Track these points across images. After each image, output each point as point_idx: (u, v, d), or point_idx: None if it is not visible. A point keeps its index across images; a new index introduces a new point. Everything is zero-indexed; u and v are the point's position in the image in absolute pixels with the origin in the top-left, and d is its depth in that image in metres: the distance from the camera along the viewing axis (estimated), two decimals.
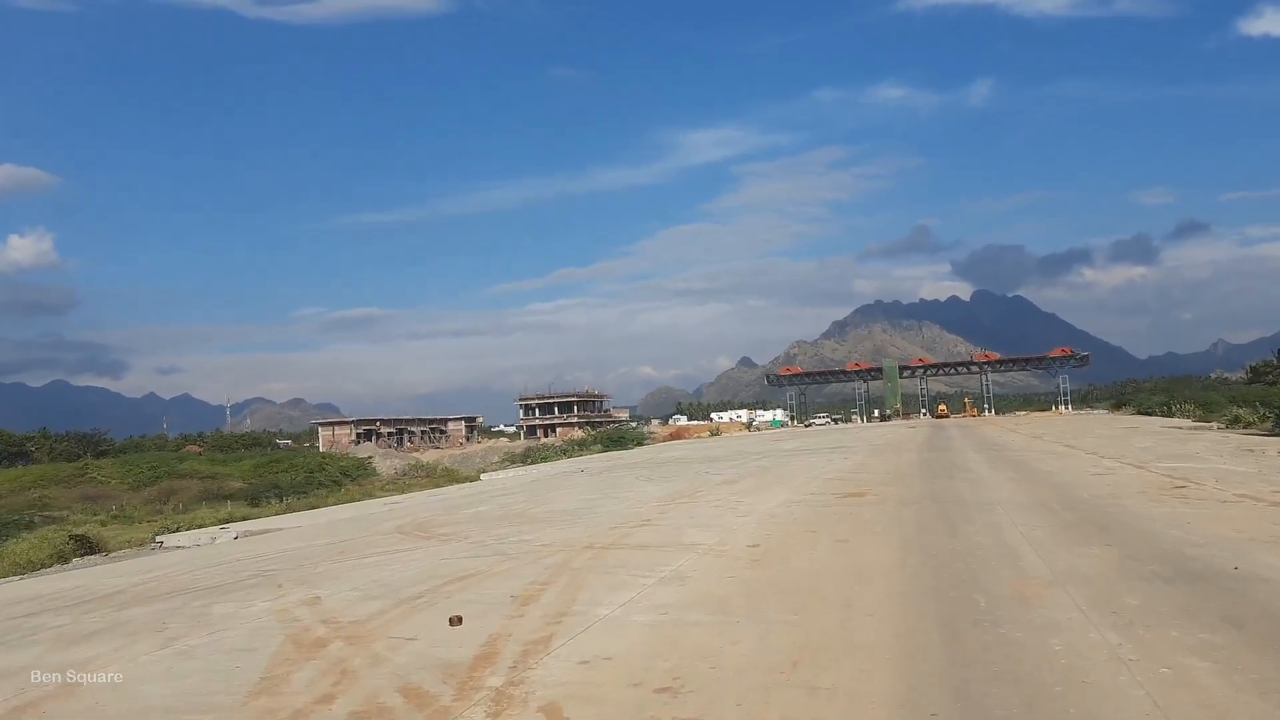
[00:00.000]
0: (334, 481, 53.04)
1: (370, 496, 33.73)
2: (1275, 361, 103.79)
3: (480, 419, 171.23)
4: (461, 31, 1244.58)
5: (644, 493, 20.15)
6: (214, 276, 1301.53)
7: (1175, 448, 26.08)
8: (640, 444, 73.83)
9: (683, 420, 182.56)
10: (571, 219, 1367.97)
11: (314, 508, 30.42)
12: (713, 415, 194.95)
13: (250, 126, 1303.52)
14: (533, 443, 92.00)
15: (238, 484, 52.65)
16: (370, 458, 75.19)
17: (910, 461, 25.31)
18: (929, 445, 34.97)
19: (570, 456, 56.47)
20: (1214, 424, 43.37)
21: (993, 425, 63.87)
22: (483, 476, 39.09)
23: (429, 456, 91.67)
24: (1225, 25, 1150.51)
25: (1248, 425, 39.46)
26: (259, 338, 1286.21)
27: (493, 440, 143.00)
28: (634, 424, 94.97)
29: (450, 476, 41.35)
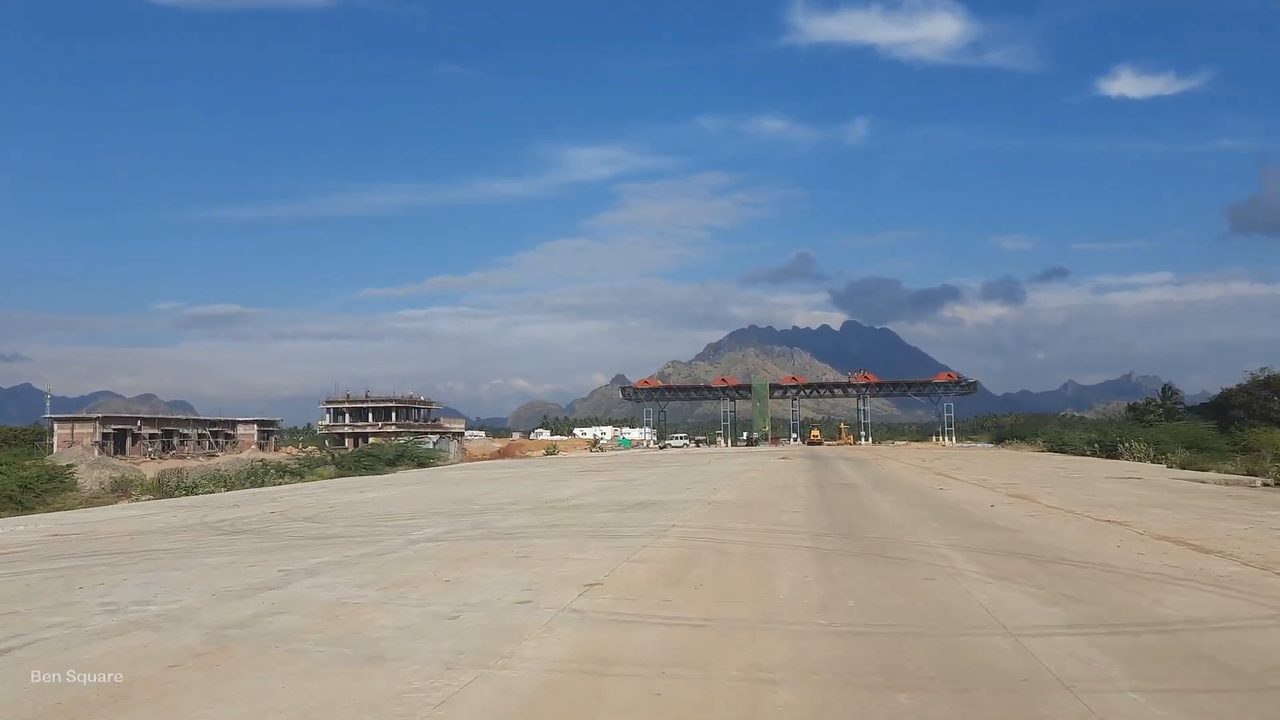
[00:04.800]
0: (8, 496, 33.39)
1: None
2: (1160, 400, 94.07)
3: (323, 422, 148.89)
4: (345, 25, 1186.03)
5: None
6: (63, 263, 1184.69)
7: None
8: (423, 465, 54.15)
9: (545, 435, 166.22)
10: (449, 227, 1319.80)
11: None
12: (576, 430, 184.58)
13: (113, 109, 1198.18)
14: (340, 451, 70.53)
15: None
16: (71, 466, 52.25)
17: (816, 603, 6.83)
18: (827, 502, 16.89)
19: (275, 483, 36.21)
20: (1233, 476, 27.64)
21: (889, 459, 47.24)
22: None
23: (163, 465, 69.14)
24: (1087, 84, 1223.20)
25: None
26: (111, 330, 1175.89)
27: (309, 449, 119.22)
28: (436, 438, 74.89)
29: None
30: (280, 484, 35.71)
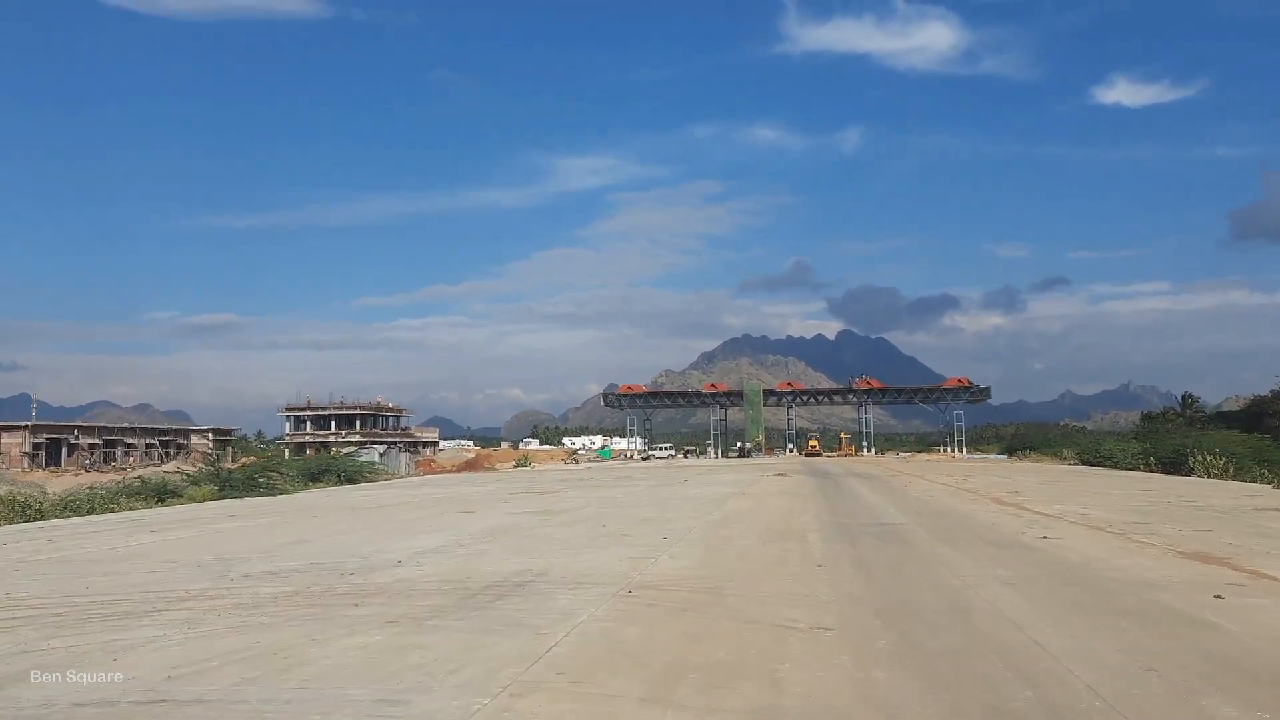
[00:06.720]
0: None
1: None
2: (1179, 409, 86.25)
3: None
4: (338, 34, 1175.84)
5: None
6: (58, 271, 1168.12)
7: None
8: (351, 481, 45.69)
9: (534, 444, 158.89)
10: (443, 236, 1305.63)
11: None
12: (566, 440, 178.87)
13: (105, 118, 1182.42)
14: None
15: None
16: None
17: None
18: (878, 588, 8.58)
19: (126, 507, 27.53)
20: None
21: (910, 475, 38.73)
22: None
23: (81, 479, 60.56)
24: (1081, 92, 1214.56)
25: None
26: (106, 338, 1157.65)
27: (267, 457, 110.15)
28: (383, 449, 65.96)
29: None
30: (133, 508, 27.06)
